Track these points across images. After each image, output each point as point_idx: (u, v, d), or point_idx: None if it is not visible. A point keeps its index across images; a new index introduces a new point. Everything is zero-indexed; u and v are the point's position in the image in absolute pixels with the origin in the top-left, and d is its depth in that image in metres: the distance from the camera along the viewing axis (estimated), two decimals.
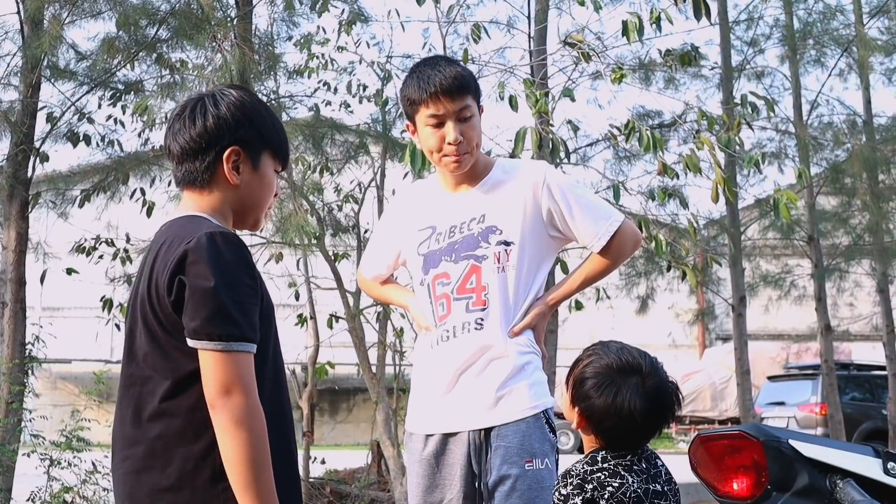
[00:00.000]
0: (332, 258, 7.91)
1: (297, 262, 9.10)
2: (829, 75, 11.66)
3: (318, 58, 8.14)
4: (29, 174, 7.41)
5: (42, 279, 7.90)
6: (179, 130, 2.15)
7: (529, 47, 6.98)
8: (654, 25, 5.77)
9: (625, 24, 5.70)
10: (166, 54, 7.34)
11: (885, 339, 12.51)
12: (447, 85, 2.73)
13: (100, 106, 7.85)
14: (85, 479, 7.10)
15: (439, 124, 2.77)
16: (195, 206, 2.16)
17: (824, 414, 13.50)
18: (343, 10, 7.97)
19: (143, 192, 7.85)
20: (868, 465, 2.57)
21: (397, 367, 9.11)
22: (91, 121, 7.87)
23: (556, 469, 2.69)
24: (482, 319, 2.76)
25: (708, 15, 5.59)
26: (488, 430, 2.71)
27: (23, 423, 7.17)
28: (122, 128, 7.99)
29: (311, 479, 9.19)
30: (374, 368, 8.14)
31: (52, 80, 7.57)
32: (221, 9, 7.03)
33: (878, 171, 11.40)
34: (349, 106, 8.65)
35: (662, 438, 20.14)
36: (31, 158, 7.34)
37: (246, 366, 1.96)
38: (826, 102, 12.00)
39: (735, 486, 2.58)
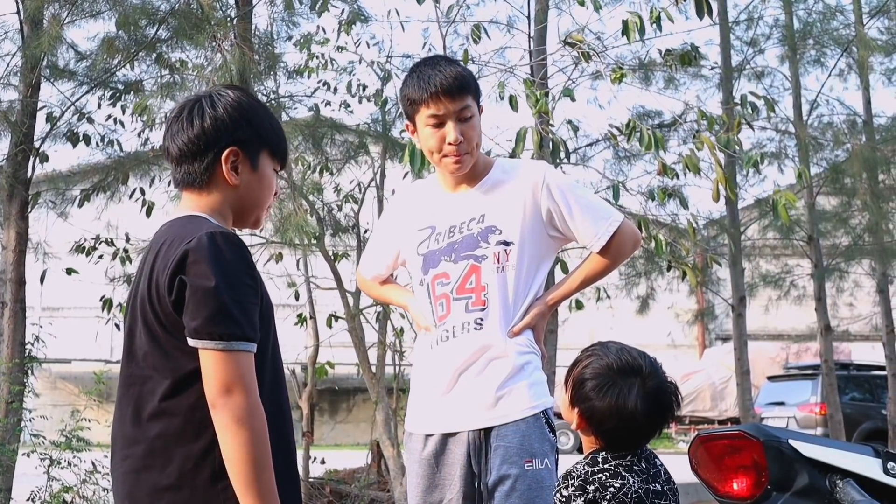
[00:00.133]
0: (332, 258, 7.91)
1: (297, 261, 9.10)
2: (829, 75, 11.68)
3: (317, 58, 8.14)
4: (29, 174, 7.40)
5: (42, 279, 7.90)
6: (178, 132, 2.15)
7: (529, 47, 6.97)
8: (654, 25, 5.77)
9: (625, 23, 5.70)
10: (166, 54, 7.33)
11: (885, 339, 12.51)
12: (448, 85, 2.73)
13: (99, 106, 7.85)
14: (85, 478, 7.09)
15: (439, 124, 2.77)
16: (195, 207, 2.17)
17: (824, 414, 13.50)
18: (343, 10, 7.97)
19: (142, 191, 7.85)
20: (868, 465, 2.57)
21: (397, 367, 9.11)
22: (91, 121, 7.87)
23: (556, 469, 2.69)
24: (482, 319, 2.75)
25: (710, 12, 5.60)
26: (488, 430, 2.71)
27: (23, 423, 7.16)
28: (121, 128, 7.99)
29: (310, 479, 9.19)
30: (373, 368, 8.14)
31: (52, 80, 7.57)
32: (221, 9, 7.02)
33: (878, 171, 11.40)
34: (349, 106, 8.66)
35: (662, 438, 20.15)
36: (31, 158, 7.34)
37: (247, 365, 1.97)
38: (826, 102, 12.02)
39: (735, 486, 2.58)
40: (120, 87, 7.67)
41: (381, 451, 8.78)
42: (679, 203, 7.32)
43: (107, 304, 7.84)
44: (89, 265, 8.03)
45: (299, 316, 8.84)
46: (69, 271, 7.75)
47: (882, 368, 14.14)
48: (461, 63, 2.87)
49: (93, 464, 7.11)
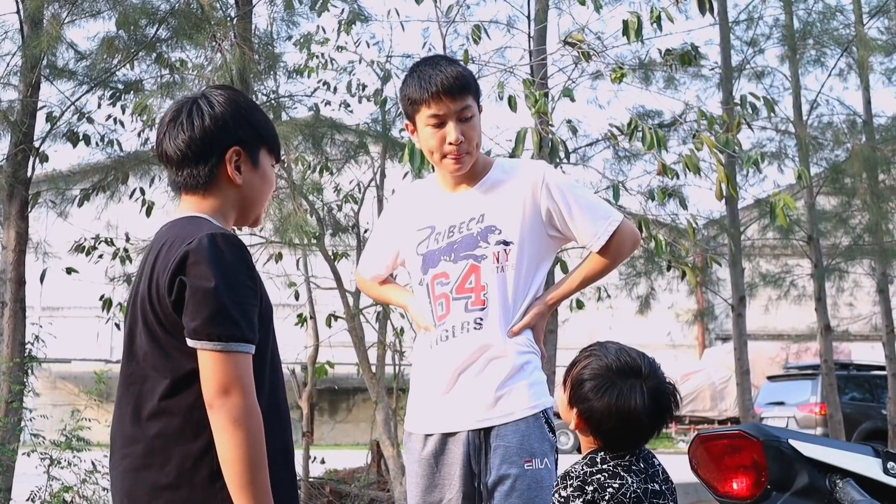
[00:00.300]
0: (332, 258, 7.91)
1: (297, 261, 9.10)
2: (829, 75, 11.68)
3: (317, 57, 8.14)
4: (29, 174, 7.40)
5: (42, 279, 7.90)
6: (177, 135, 2.14)
7: (529, 47, 6.97)
8: (654, 25, 5.77)
9: (625, 23, 5.70)
10: (166, 54, 7.34)
11: (885, 339, 12.51)
12: (449, 85, 2.72)
13: (99, 105, 7.85)
14: (85, 478, 7.09)
15: (440, 124, 2.76)
16: (196, 208, 2.17)
17: (824, 414, 13.50)
18: (343, 10, 7.97)
19: (142, 191, 7.85)
20: (868, 465, 2.57)
21: (397, 367, 9.11)
22: (91, 120, 7.87)
23: (556, 469, 2.69)
24: (481, 319, 2.75)
25: (711, 9, 5.59)
26: (488, 430, 2.71)
27: (23, 423, 7.17)
28: (121, 127, 7.99)
29: (310, 479, 9.19)
30: (373, 368, 8.14)
31: (52, 80, 7.57)
32: (221, 8, 7.03)
33: (878, 171, 11.40)
34: (349, 106, 8.65)
35: (662, 438, 20.15)
36: (31, 158, 7.34)
37: (245, 366, 1.98)
38: (826, 102, 12.02)
39: (735, 485, 2.58)
40: (120, 86, 7.67)
41: (380, 450, 8.78)
42: (679, 203, 7.32)
43: (107, 303, 7.84)
44: (89, 265, 8.03)
45: (299, 316, 8.84)
46: (69, 271, 7.75)
47: (882, 368, 14.14)
48: (461, 63, 2.87)
49: (93, 463, 7.11)
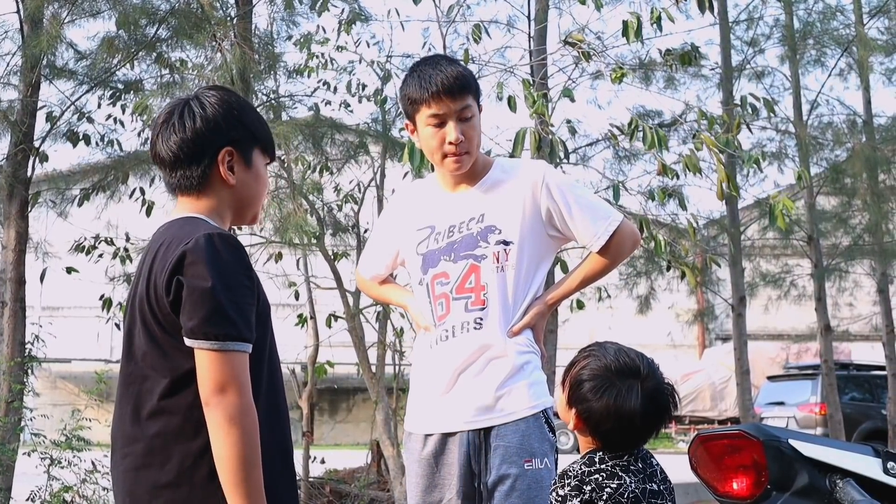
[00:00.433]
0: (332, 258, 7.91)
1: (297, 261, 9.10)
2: (829, 75, 11.68)
3: (317, 57, 8.14)
4: (29, 173, 7.40)
5: (42, 278, 7.90)
6: (169, 137, 2.16)
7: (529, 47, 6.97)
8: (654, 25, 5.77)
9: (625, 24, 5.70)
10: (166, 53, 7.33)
11: (885, 339, 12.51)
12: (449, 84, 2.72)
13: (99, 105, 7.85)
14: (85, 478, 7.09)
15: (440, 124, 2.76)
16: (193, 209, 2.18)
17: (824, 414, 13.50)
18: (343, 10, 7.97)
19: (142, 191, 7.85)
20: (868, 465, 2.56)
21: (397, 367, 9.11)
22: (91, 120, 7.87)
23: (556, 469, 2.69)
24: (481, 319, 2.75)
25: (711, 8, 5.59)
26: (488, 430, 2.71)
27: (23, 423, 7.17)
28: (121, 127, 7.99)
29: (310, 479, 9.19)
30: (373, 368, 8.14)
31: (52, 80, 7.57)
32: (221, 8, 7.03)
33: (878, 171, 11.40)
34: (349, 105, 8.65)
35: (662, 438, 20.15)
36: (31, 158, 7.34)
37: (241, 365, 1.99)
38: (826, 102, 12.02)
39: (735, 485, 2.58)
40: (120, 86, 7.67)
41: (380, 450, 8.78)
42: (679, 203, 7.32)
43: (107, 303, 7.84)
44: (89, 264, 8.03)
45: (299, 316, 8.84)
46: (69, 270, 7.75)
47: (882, 368, 14.14)
48: (461, 62, 2.87)
49: (93, 463, 7.11)
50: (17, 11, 7.27)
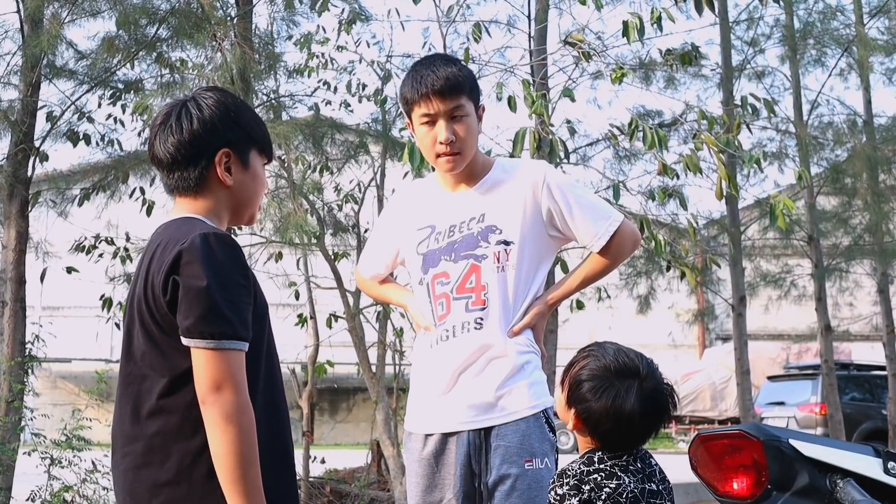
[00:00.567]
0: (332, 258, 7.91)
1: (297, 261, 9.10)
2: (830, 75, 11.67)
3: (318, 57, 8.14)
4: (29, 173, 7.40)
5: (42, 278, 7.90)
6: (166, 139, 2.18)
7: (530, 47, 6.97)
8: (654, 25, 5.77)
9: (625, 24, 5.69)
10: (166, 53, 7.33)
11: (885, 339, 12.50)
12: (439, 86, 2.73)
13: (100, 105, 7.85)
14: (85, 478, 7.09)
15: (432, 123, 2.77)
16: (190, 209, 2.20)
17: (824, 414, 13.50)
18: (343, 10, 7.98)
19: (142, 191, 7.85)
20: (868, 465, 2.56)
21: (397, 367, 9.11)
22: (91, 120, 7.86)
23: (556, 468, 2.69)
24: (482, 319, 2.75)
25: (711, 7, 5.59)
26: (488, 430, 2.71)
27: (23, 422, 7.17)
28: (121, 127, 7.99)
29: (310, 479, 9.19)
30: (373, 368, 8.14)
31: (52, 79, 7.57)
32: (221, 8, 7.03)
33: (878, 171, 11.40)
34: (349, 105, 8.65)
35: (662, 438, 20.14)
36: (31, 157, 7.33)
37: (237, 363, 2.01)
38: (826, 102, 12.02)
39: (735, 485, 2.58)
40: (120, 86, 7.67)
41: (381, 450, 8.78)
42: (679, 203, 7.32)
43: (107, 303, 7.84)
44: (89, 264, 8.03)
45: (299, 316, 8.84)
46: (69, 270, 7.75)
47: (882, 368, 14.13)
48: (459, 62, 2.86)
49: (93, 463, 7.11)
50: (18, 11, 7.27)
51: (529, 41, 7.00)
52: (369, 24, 8.48)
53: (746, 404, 10.72)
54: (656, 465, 2.31)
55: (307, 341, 9.42)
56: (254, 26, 7.49)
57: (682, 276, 6.95)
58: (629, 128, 5.79)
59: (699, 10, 5.51)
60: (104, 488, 7.07)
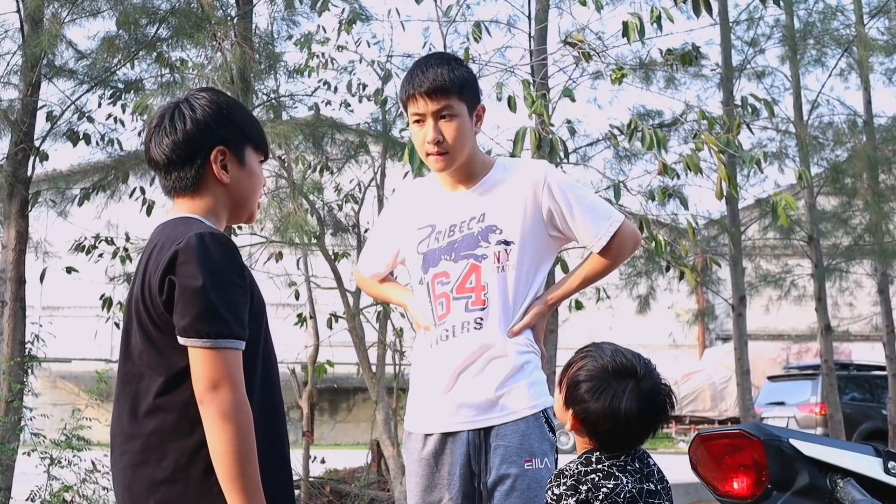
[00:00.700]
0: (332, 258, 7.91)
1: (297, 261, 9.10)
2: (830, 75, 11.68)
3: (318, 57, 8.13)
4: (29, 173, 7.40)
5: (42, 278, 7.90)
6: (161, 140, 2.20)
7: (530, 47, 6.97)
8: (654, 25, 5.77)
9: (625, 24, 5.69)
10: (166, 53, 7.33)
11: (885, 339, 12.50)
12: (427, 86, 2.74)
13: (100, 105, 7.84)
14: (85, 478, 7.09)
15: (421, 122, 2.79)
16: (188, 209, 2.22)
17: (824, 414, 13.50)
18: (343, 10, 7.97)
19: (142, 190, 7.85)
20: (869, 465, 2.56)
21: (397, 367, 9.11)
22: (91, 120, 7.86)
23: (556, 468, 2.69)
24: (481, 319, 2.75)
25: (709, 9, 5.59)
26: (487, 430, 2.71)
27: (23, 422, 7.17)
28: (122, 127, 7.99)
29: (310, 479, 9.19)
30: (373, 368, 8.13)
31: (52, 79, 7.57)
32: (221, 7, 7.03)
33: (878, 171, 11.40)
34: (349, 105, 8.65)
35: (662, 438, 20.14)
36: (31, 157, 7.34)
37: (234, 362, 2.02)
38: (826, 102, 12.02)
39: (735, 485, 2.58)
40: (120, 86, 7.67)
41: (381, 450, 8.78)
42: (679, 203, 7.32)
43: (107, 302, 7.84)
44: (89, 264, 8.03)
45: (299, 316, 8.84)
46: (69, 270, 7.75)
47: (882, 368, 14.13)
48: (455, 62, 2.85)
49: (93, 463, 7.12)
50: (18, 11, 7.27)
51: (529, 41, 7.00)
52: (369, 24, 8.49)
53: (746, 404, 10.72)
54: (655, 465, 2.31)
55: (307, 341, 9.42)
56: (254, 26, 7.49)
57: (682, 276, 6.95)
58: (628, 128, 5.79)
59: (697, 12, 5.51)
60: (104, 488, 7.07)
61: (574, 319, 9.64)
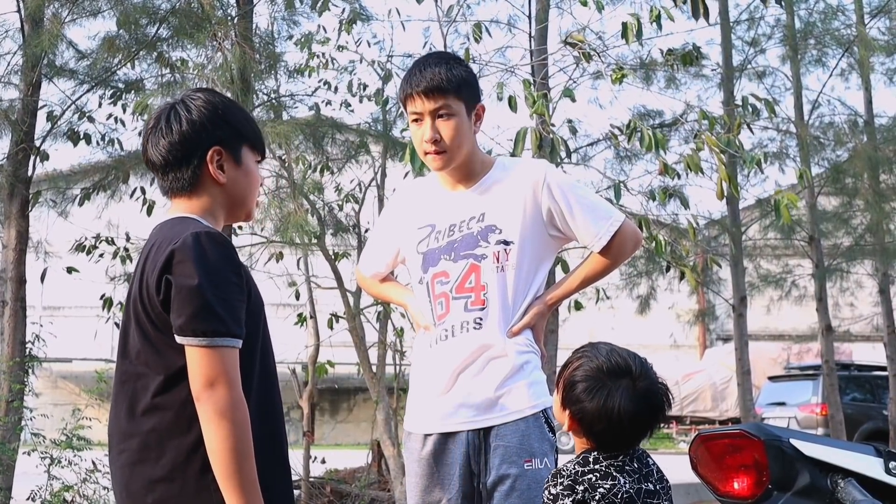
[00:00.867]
0: (333, 257, 7.91)
1: (298, 261, 9.10)
2: (831, 75, 11.67)
3: (318, 57, 8.13)
4: (29, 173, 7.40)
5: (42, 278, 7.89)
6: (158, 142, 2.21)
7: (530, 47, 6.97)
8: (654, 24, 5.76)
9: (624, 25, 5.69)
10: (167, 53, 7.33)
11: (886, 339, 12.50)
12: (424, 85, 2.74)
13: (100, 105, 7.84)
14: (85, 477, 7.10)
15: (420, 121, 2.79)
16: (185, 209, 2.23)
17: (825, 414, 13.49)
18: (344, 9, 7.97)
19: (143, 190, 7.85)
20: (869, 465, 2.56)
21: (397, 367, 9.11)
22: (91, 119, 7.86)
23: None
24: (481, 319, 2.74)
25: (706, 15, 5.58)
26: (487, 430, 2.70)
27: (23, 422, 7.17)
28: (122, 126, 7.98)
29: (311, 479, 9.18)
30: (374, 368, 8.13)
31: (53, 79, 7.57)
32: (222, 7, 7.03)
33: (879, 171, 11.40)
34: (350, 105, 8.65)
35: (662, 438, 20.14)
36: (32, 157, 7.34)
37: (230, 360, 2.04)
38: (827, 102, 12.01)
39: (736, 485, 2.57)
40: (121, 85, 7.66)
41: (381, 450, 8.78)
42: (680, 203, 7.31)
43: (107, 302, 7.84)
44: (90, 264, 8.03)
45: (299, 316, 8.84)
46: (70, 270, 7.75)
47: (883, 369, 14.12)
48: (453, 61, 2.84)
49: (93, 463, 7.12)
50: (18, 11, 7.28)
51: (530, 41, 6.99)
52: (370, 24, 8.49)
53: (747, 404, 10.72)
54: (654, 464, 2.31)
55: (307, 341, 9.42)
56: (254, 26, 7.48)
57: (682, 276, 6.95)
58: (628, 129, 5.79)
59: (696, 15, 5.51)
60: (104, 488, 7.07)
61: (574, 320, 9.64)
